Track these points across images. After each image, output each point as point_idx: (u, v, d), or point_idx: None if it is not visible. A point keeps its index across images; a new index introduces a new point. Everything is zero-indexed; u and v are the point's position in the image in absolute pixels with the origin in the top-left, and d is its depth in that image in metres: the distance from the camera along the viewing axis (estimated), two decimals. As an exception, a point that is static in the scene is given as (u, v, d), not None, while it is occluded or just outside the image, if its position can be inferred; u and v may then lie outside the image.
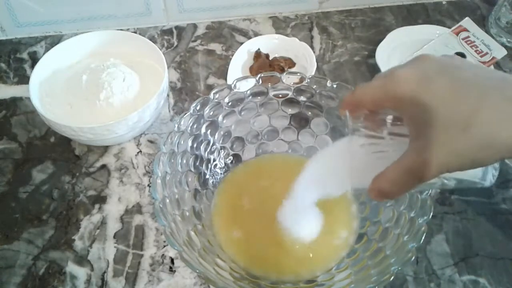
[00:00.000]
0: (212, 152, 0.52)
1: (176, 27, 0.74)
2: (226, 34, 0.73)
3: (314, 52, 0.67)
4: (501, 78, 0.29)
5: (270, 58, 0.66)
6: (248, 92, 0.51)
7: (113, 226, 0.53)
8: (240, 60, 0.67)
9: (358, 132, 0.34)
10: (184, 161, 0.49)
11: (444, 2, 0.77)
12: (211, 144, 0.52)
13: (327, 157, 0.41)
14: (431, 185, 0.34)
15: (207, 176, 0.52)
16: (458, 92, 0.28)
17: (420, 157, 0.29)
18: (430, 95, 0.28)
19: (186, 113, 0.48)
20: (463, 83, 0.28)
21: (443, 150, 0.28)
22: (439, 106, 0.28)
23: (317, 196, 0.42)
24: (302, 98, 0.52)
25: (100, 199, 0.55)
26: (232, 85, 0.49)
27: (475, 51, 0.66)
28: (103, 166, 0.58)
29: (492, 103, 0.27)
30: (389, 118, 0.34)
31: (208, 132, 0.51)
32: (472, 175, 0.33)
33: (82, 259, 0.51)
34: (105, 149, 0.59)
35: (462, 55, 0.66)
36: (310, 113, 0.53)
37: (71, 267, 0.50)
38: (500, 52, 0.66)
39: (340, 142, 0.39)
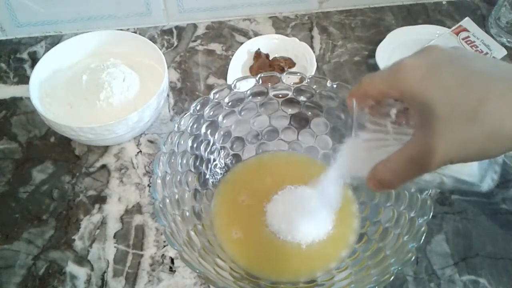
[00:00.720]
0: (212, 152, 0.52)
1: (176, 27, 0.74)
2: (226, 34, 0.73)
3: (314, 52, 0.67)
4: (508, 69, 0.29)
5: (270, 58, 0.66)
6: (248, 92, 0.51)
7: (113, 226, 0.53)
8: (240, 60, 0.67)
9: (363, 122, 0.34)
10: (184, 161, 0.49)
11: (444, 2, 0.77)
12: (211, 144, 0.52)
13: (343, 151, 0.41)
14: (429, 182, 0.34)
15: (207, 176, 0.52)
16: (465, 82, 0.28)
17: (424, 146, 0.28)
18: (435, 85, 0.28)
19: (186, 113, 0.48)
20: (469, 73, 0.28)
21: (448, 139, 0.28)
22: (445, 96, 0.28)
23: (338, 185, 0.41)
24: (302, 98, 0.52)
25: (100, 199, 0.55)
26: (232, 85, 0.49)
27: (475, 51, 0.66)
28: (103, 166, 0.58)
29: (498, 93, 0.27)
30: (393, 112, 0.34)
31: (208, 132, 0.51)
32: (471, 175, 0.33)
33: (82, 259, 0.51)
34: (105, 149, 0.59)
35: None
36: (310, 113, 0.53)
37: (71, 267, 0.50)
38: (500, 52, 0.66)
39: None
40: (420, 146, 0.29)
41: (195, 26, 0.74)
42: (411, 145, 0.30)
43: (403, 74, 0.30)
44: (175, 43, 0.72)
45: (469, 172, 0.33)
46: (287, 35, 0.71)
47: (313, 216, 0.48)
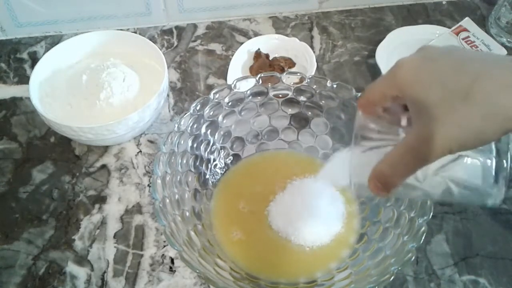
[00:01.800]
0: (212, 152, 0.52)
1: (176, 27, 0.74)
2: (226, 34, 0.73)
3: (314, 52, 0.67)
4: (501, 56, 0.29)
5: (270, 58, 0.66)
6: (248, 92, 0.51)
7: (113, 226, 0.53)
8: (240, 60, 0.67)
9: (368, 131, 0.34)
10: (184, 161, 0.49)
11: (444, 2, 0.77)
12: (211, 144, 0.52)
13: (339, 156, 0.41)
14: (433, 188, 0.33)
15: (207, 176, 0.52)
16: (458, 67, 0.28)
17: (422, 134, 0.28)
18: (429, 73, 0.29)
19: (186, 113, 0.48)
20: (462, 60, 0.29)
21: (446, 122, 0.27)
22: (439, 81, 0.28)
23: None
24: (302, 98, 0.52)
25: (100, 199, 0.55)
26: (232, 85, 0.49)
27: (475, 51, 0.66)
28: (103, 166, 0.58)
29: (493, 72, 0.27)
30: (404, 119, 0.34)
31: (208, 132, 0.51)
32: (477, 177, 0.32)
33: (82, 259, 0.51)
34: (105, 149, 0.59)
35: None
36: (310, 113, 0.53)
37: (71, 267, 0.50)
38: (500, 52, 0.66)
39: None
40: (418, 135, 0.29)
41: (195, 26, 0.74)
42: (408, 137, 0.30)
43: (399, 69, 0.30)
44: (175, 43, 0.72)
45: (475, 174, 0.32)
46: (287, 35, 0.71)
47: (315, 216, 0.48)
